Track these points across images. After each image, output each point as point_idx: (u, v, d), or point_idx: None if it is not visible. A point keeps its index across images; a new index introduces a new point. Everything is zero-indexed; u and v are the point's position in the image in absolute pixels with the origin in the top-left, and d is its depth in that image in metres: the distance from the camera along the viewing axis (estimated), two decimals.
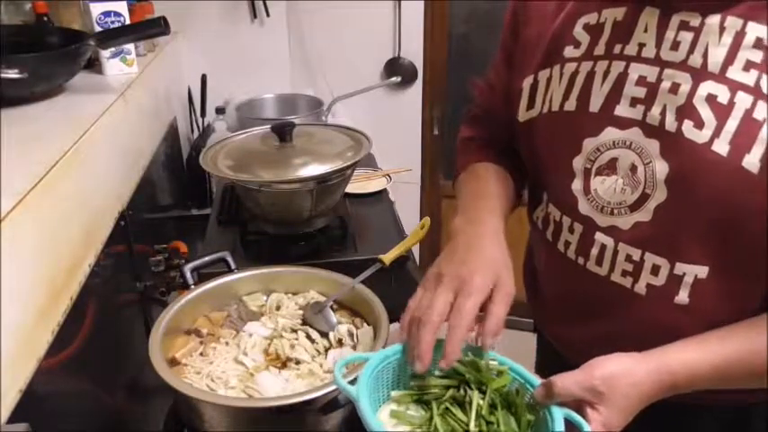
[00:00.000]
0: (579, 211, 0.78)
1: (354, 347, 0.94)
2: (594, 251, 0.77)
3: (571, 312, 0.85)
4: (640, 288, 0.75)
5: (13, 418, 0.64)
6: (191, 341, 0.95)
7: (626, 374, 0.64)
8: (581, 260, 0.80)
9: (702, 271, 0.71)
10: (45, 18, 1.28)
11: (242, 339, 0.95)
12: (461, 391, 0.69)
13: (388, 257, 1.09)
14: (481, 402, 0.66)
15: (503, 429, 0.65)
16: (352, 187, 1.53)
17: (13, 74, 0.96)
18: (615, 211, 0.75)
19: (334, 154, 1.26)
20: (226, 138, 1.39)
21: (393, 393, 0.72)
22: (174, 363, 0.90)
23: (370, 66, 2.25)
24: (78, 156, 0.89)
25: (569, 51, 0.78)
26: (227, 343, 0.95)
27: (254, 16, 2.07)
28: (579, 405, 0.64)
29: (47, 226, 0.77)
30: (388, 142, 1.84)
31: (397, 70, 2.24)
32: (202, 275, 1.05)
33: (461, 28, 2.31)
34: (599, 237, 0.77)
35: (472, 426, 0.65)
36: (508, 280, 0.71)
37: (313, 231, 1.33)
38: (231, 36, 2.06)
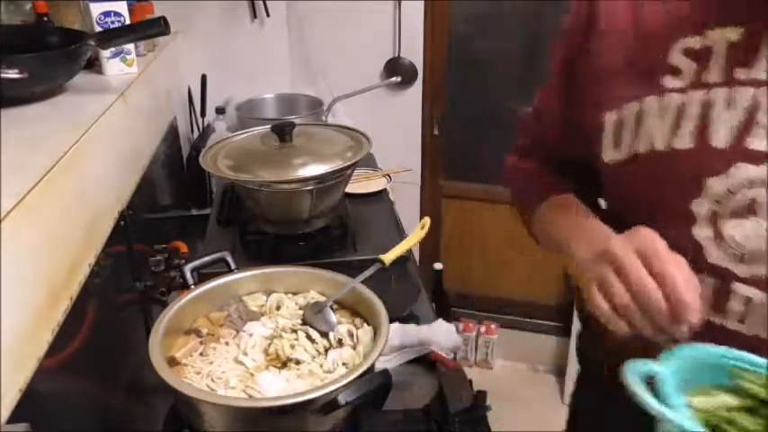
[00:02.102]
0: (707, 260, 0.68)
1: (354, 347, 0.94)
2: (735, 305, 0.67)
3: None
4: None
5: (13, 418, 0.65)
6: (191, 341, 0.95)
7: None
8: (717, 319, 0.69)
9: None
10: (45, 18, 1.28)
11: (242, 339, 0.95)
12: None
13: (388, 257, 1.09)
14: None
15: None
16: (352, 187, 1.53)
17: (13, 74, 0.96)
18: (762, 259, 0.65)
19: (334, 154, 1.26)
20: (226, 138, 1.39)
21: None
22: (173, 363, 0.90)
23: (370, 66, 2.25)
24: (78, 156, 0.89)
25: (669, 81, 0.69)
26: (227, 343, 0.95)
27: (254, 16, 2.07)
28: None
29: (47, 226, 0.77)
30: (388, 142, 1.84)
31: (397, 70, 2.23)
32: (202, 275, 1.04)
33: (461, 28, 2.30)
34: (738, 287, 0.66)
35: None
36: None
37: (313, 231, 1.33)
38: (231, 36, 2.06)
